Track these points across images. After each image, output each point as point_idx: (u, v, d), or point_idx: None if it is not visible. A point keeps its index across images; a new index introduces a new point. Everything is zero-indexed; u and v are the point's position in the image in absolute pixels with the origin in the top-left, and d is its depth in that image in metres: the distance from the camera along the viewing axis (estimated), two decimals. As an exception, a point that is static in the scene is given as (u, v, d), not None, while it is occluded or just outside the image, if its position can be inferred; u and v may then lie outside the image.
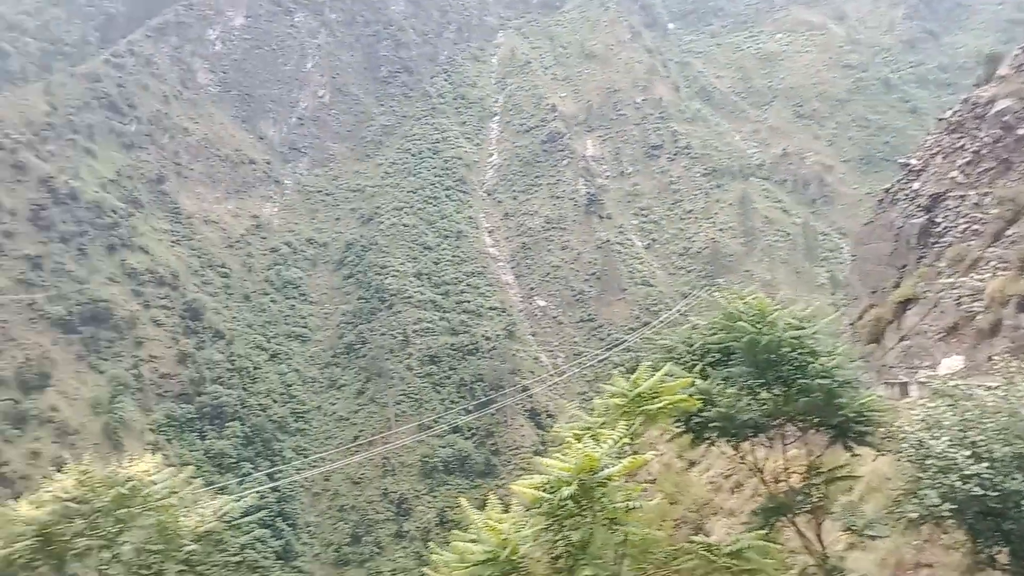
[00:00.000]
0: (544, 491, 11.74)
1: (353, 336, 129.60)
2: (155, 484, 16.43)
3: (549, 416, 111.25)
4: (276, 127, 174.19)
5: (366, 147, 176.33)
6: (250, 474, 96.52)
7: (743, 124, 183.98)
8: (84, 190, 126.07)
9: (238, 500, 17.61)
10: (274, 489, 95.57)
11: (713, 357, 16.21)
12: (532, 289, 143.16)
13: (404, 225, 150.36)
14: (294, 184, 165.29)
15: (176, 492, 16.58)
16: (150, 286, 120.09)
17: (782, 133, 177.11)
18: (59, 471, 17.76)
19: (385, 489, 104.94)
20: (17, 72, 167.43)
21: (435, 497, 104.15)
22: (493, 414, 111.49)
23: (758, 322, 15.38)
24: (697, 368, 15.70)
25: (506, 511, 12.83)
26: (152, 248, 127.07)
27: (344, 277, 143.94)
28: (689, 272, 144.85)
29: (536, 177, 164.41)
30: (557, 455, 12.20)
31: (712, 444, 16.03)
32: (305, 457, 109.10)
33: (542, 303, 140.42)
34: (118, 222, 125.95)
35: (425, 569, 13.51)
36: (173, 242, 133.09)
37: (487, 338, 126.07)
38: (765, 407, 15.40)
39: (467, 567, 11.79)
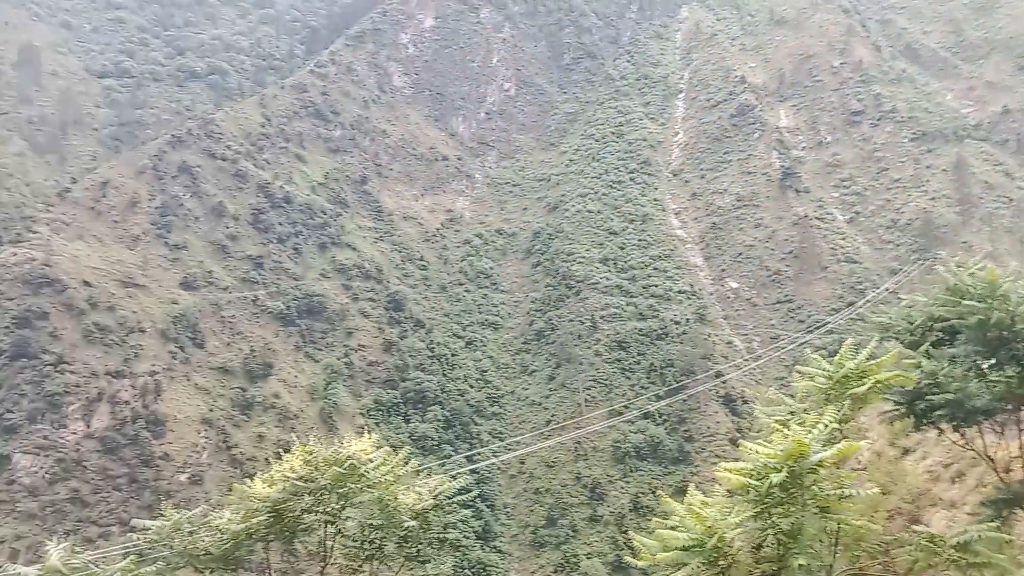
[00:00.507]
0: (751, 478, 11.32)
1: (543, 323, 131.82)
2: (372, 462, 17.46)
3: (745, 402, 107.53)
4: (465, 123, 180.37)
5: (550, 136, 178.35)
6: (451, 456, 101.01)
7: (955, 82, 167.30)
8: (297, 194, 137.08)
9: (452, 479, 18.38)
10: (473, 471, 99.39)
11: (936, 336, 14.86)
12: (723, 271, 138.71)
13: (589, 211, 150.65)
14: (483, 177, 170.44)
15: (394, 471, 17.52)
16: (357, 280, 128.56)
17: (1002, 89, 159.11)
18: (284, 453, 19.28)
19: (578, 473, 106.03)
20: (235, 88, 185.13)
21: (628, 483, 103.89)
22: (685, 400, 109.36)
23: (988, 296, 13.88)
24: (921, 348, 14.45)
25: (705, 499, 12.51)
26: (358, 244, 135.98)
27: (532, 265, 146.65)
28: (898, 246, 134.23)
29: (725, 153, 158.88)
30: (761, 441, 11.72)
31: (939, 430, 14.73)
32: (501, 440, 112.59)
33: (734, 285, 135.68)
34: (327, 222, 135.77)
35: (626, 557, 13.42)
36: (376, 238, 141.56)
37: (676, 322, 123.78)
38: (996, 390, 13.91)
39: (670, 552, 11.62)
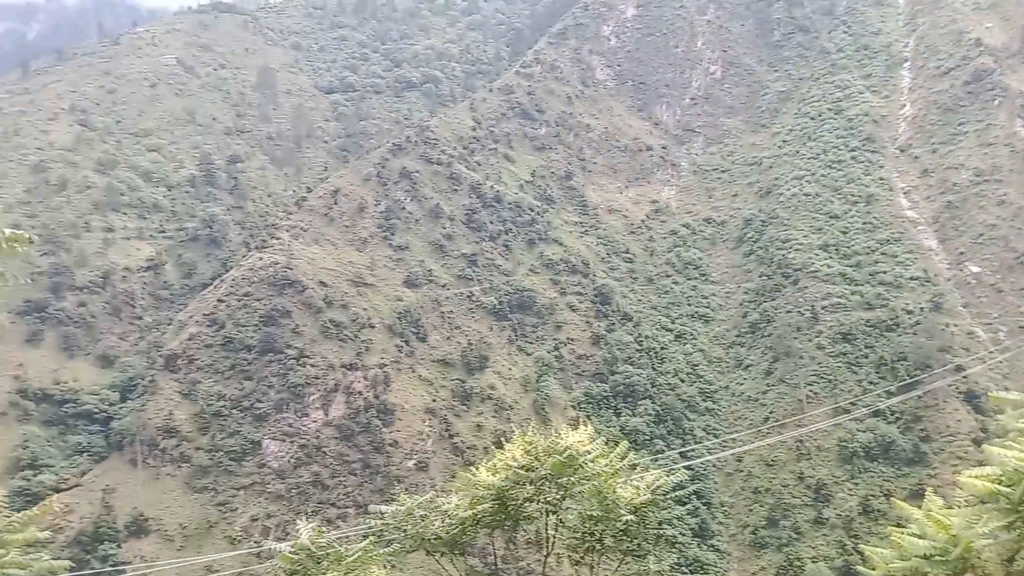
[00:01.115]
0: (1001, 484, 10.33)
1: (757, 314, 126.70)
2: (589, 454, 17.77)
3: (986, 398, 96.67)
4: (670, 111, 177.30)
5: (760, 117, 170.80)
6: (663, 451, 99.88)
7: None
8: (506, 193, 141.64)
9: (669, 474, 18.27)
10: (687, 467, 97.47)
11: None
12: (962, 254, 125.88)
13: (806, 195, 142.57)
14: (689, 165, 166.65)
15: (612, 464, 17.72)
16: (564, 274, 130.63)
17: None
18: (503, 442, 20.05)
19: (800, 473, 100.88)
20: (447, 95, 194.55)
21: (856, 484, 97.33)
22: (920, 397, 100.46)
23: None
24: None
25: (947, 505, 11.56)
26: (564, 239, 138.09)
27: (744, 254, 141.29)
28: None
29: (959, 125, 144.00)
30: (1013, 444, 10.67)
31: None
32: (715, 436, 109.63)
33: (975, 269, 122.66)
34: (535, 218, 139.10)
35: (857, 566, 12.69)
36: (582, 232, 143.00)
37: (908, 312, 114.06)
38: None
39: (908, 562, 10.87)
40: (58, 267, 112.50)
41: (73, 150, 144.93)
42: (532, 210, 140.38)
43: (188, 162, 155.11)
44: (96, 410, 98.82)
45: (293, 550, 18.84)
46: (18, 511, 10.80)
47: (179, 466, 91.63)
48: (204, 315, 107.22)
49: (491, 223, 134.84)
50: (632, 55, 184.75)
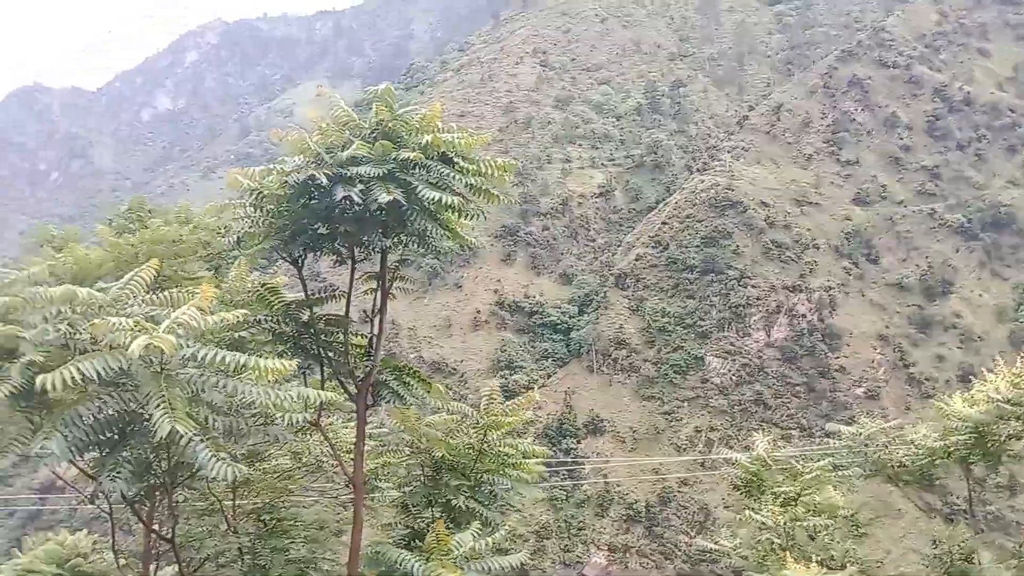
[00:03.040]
0: None
1: None
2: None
3: None
4: None
5: None
6: None
7: None
8: (978, 94, 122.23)
9: None
10: None
11: None
12: None
13: None
14: None
15: None
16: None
17: None
18: (969, 377, 18.22)
19: None
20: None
21: None
22: None
23: None
24: None
25: None
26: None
27: None
28: None
29: None
30: None
31: None
32: None
33: None
34: (1017, 121, 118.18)
35: None
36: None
37: None
38: None
39: None
40: (526, 196, 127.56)
41: (536, 90, 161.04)
42: (1013, 112, 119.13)
43: (635, 92, 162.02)
44: (558, 321, 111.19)
45: (750, 460, 19.64)
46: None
47: (629, 375, 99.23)
48: (649, 237, 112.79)
49: (959, 130, 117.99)
50: None
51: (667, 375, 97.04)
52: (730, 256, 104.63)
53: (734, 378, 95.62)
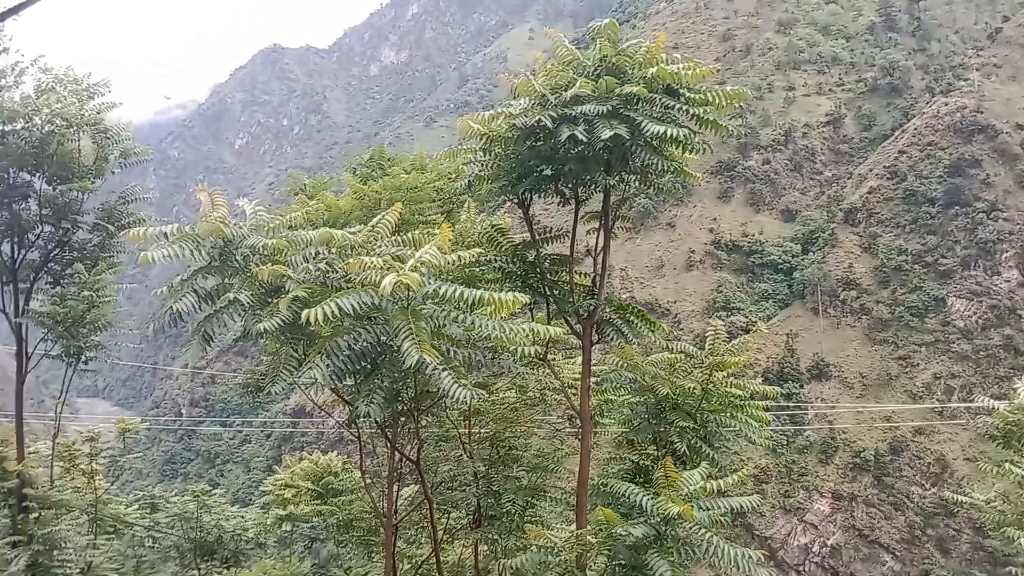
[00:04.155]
0: None
1: None
2: None
3: None
4: None
5: None
6: None
7: None
8: None
9: None
10: None
11: None
12: None
13: None
14: None
15: None
16: None
17: None
18: None
19: None
20: None
21: None
22: None
23: None
24: None
25: None
26: None
27: None
28: None
29: None
30: None
31: None
32: None
33: None
34: None
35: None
36: None
37: None
38: None
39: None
40: (744, 128, 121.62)
41: (755, 14, 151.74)
42: None
43: (867, 9, 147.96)
44: (780, 260, 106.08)
45: (1011, 408, 17.85)
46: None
47: (859, 317, 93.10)
48: (884, 167, 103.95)
49: None
50: None
51: (902, 318, 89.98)
52: (978, 187, 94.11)
53: (980, 321, 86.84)
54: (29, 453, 18.26)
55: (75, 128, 14.99)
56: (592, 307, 11.13)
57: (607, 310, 11.46)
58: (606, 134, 9.18)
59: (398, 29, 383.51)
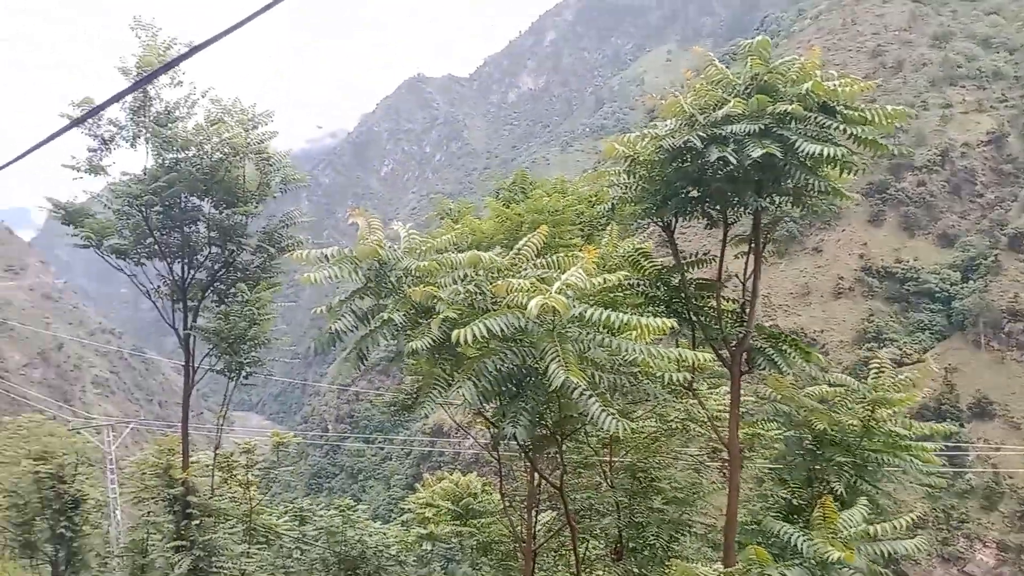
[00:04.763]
0: None
1: None
2: None
3: None
4: None
5: None
6: None
7: None
8: None
9: None
10: None
11: None
12: None
13: None
14: None
15: None
16: None
17: None
18: None
19: None
20: None
21: None
22: None
23: None
24: None
25: None
26: None
27: None
28: None
29: None
30: None
31: None
32: None
33: None
34: None
35: None
36: None
37: None
38: None
39: None
40: (904, 148, 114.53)
41: (908, 28, 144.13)
42: None
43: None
44: (937, 289, 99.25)
45: None
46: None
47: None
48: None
49: None
50: None
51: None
52: None
53: None
54: (191, 462, 19.53)
55: (241, 156, 16.03)
56: (741, 334, 10.72)
57: (757, 338, 10.99)
58: (756, 152, 8.90)
59: (536, 55, 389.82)
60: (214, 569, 18.31)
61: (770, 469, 12.12)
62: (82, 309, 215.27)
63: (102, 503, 34.99)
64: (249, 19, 4.47)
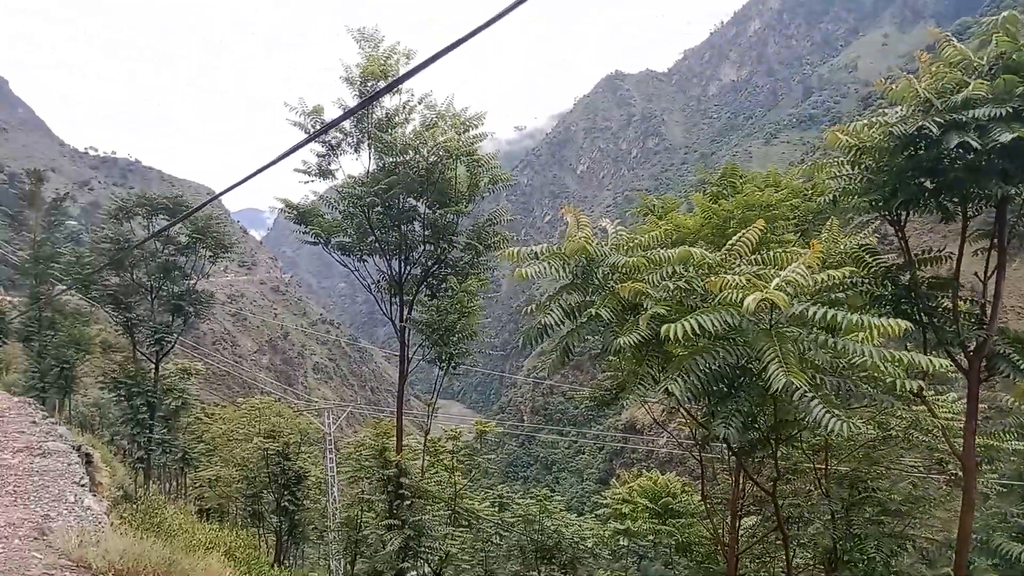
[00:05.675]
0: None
1: None
2: None
3: None
4: None
5: None
6: None
7: None
8: None
9: None
10: None
11: None
12: None
13: None
14: None
15: None
16: None
17: None
18: None
19: None
20: None
21: None
22: None
23: None
24: None
25: None
26: None
27: None
28: None
29: None
30: None
31: None
32: None
33: None
34: None
35: None
36: None
37: None
38: None
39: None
40: None
41: None
42: None
43: None
44: None
45: None
46: None
47: None
48: None
49: None
50: None
51: None
52: None
53: None
54: (403, 446, 20.75)
55: (454, 158, 16.80)
56: (981, 338, 9.75)
57: (1000, 342, 9.94)
58: (1004, 137, 8.05)
59: (739, 46, 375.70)
60: (423, 548, 19.33)
61: (1001, 485, 10.92)
62: (305, 301, 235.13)
63: (321, 480, 38.10)
64: (473, 34, 4.65)
